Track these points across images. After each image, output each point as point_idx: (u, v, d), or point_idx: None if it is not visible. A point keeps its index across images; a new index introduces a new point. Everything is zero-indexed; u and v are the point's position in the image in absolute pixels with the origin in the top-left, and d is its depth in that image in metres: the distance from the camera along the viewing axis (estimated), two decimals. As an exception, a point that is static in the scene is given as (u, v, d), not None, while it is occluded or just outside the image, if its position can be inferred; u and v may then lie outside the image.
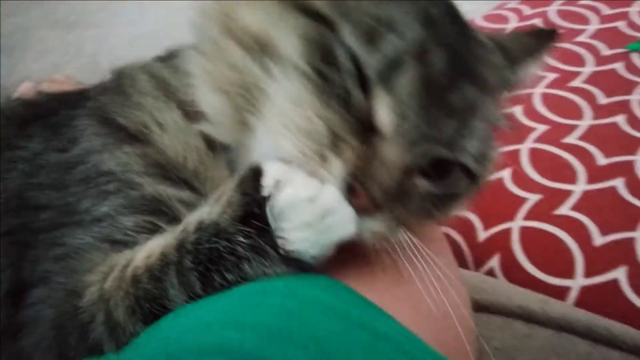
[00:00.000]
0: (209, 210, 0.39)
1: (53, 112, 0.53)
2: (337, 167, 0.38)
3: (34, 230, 0.45)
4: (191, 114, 0.48)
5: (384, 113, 0.40)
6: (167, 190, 0.45)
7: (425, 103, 0.40)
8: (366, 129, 0.40)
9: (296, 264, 0.37)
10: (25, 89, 0.92)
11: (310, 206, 0.36)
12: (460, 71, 0.42)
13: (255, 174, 0.38)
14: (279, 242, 0.36)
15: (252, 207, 0.36)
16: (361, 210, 0.39)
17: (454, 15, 0.46)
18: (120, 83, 0.52)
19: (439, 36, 0.42)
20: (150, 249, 0.40)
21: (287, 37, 0.41)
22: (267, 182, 0.37)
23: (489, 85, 0.45)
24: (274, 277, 0.36)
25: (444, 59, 0.41)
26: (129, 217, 0.44)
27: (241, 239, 0.36)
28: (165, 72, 0.52)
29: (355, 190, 0.38)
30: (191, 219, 0.40)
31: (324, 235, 0.37)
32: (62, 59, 2.45)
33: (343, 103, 0.40)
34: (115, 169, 0.45)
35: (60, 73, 2.38)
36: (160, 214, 0.44)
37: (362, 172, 0.38)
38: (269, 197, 0.36)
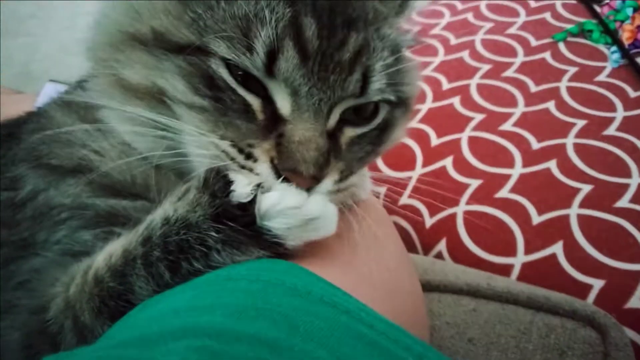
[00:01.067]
0: (173, 208, 0.40)
1: None
2: (261, 168, 0.42)
3: None
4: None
5: (280, 99, 0.43)
6: (121, 203, 0.46)
7: (312, 72, 0.42)
8: (277, 120, 0.43)
9: (274, 250, 0.39)
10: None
11: (296, 212, 0.39)
12: (340, 24, 0.44)
13: (222, 179, 0.40)
14: (264, 232, 0.38)
15: (226, 208, 0.38)
16: (308, 187, 0.42)
17: None
18: (40, 123, 0.52)
19: (304, 3, 0.43)
20: (111, 250, 0.41)
21: (170, 81, 0.43)
22: (241, 190, 0.39)
23: (375, 17, 0.47)
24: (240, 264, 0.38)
25: (317, 22, 0.43)
26: (87, 232, 0.45)
27: (212, 233, 0.38)
28: (90, 100, 0.51)
29: (289, 179, 0.41)
30: (154, 217, 0.41)
31: (307, 233, 0.39)
32: (-8, 68, 2.35)
33: (242, 109, 0.43)
34: (65, 201, 0.46)
35: (-9, 83, 2.29)
36: (118, 223, 0.45)
37: (285, 160, 0.41)
38: (253, 200, 0.38)
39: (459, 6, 1.32)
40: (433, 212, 0.91)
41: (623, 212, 0.81)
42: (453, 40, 1.20)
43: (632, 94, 1.00)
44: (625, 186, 0.84)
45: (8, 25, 2.60)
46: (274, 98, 0.43)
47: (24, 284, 0.43)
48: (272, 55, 0.41)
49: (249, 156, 0.42)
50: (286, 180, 0.41)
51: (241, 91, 0.42)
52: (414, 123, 1.04)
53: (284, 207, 0.38)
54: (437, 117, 1.04)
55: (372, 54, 0.45)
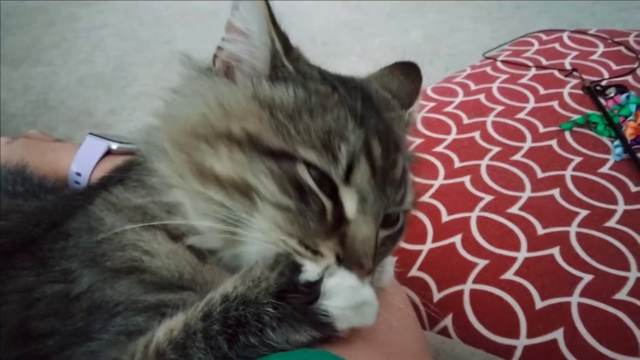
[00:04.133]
0: (233, 286, 0.46)
1: (32, 240, 0.57)
2: (328, 261, 0.48)
3: (42, 357, 0.49)
4: (176, 234, 0.54)
5: (349, 203, 0.50)
6: (169, 296, 0.50)
7: (377, 184, 0.51)
8: (340, 221, 0.50)
9: (325, 332, 0.45)
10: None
11: (353, 294, 0.45)
12: (392, 148, 0.54)
13: (291, 262, 0.46)
14: (320, 312, 0.44)
15: (289, 286, 0.44)
16: (363, 278, 0.48)
17: (363, 95, 0.57)
18: (90, 226, 0.55)
19: (370, 127, 0.53)
20: (171, 325, 0.46)
21: (263, 181, 0.49)
22: (311, 270, 0.45)
23: (403, 140, 0.59)
24: (292, 352, 0.43)
25: (380, 145, 0.52)
26: (140, 316, 0.49)
27: (269, 309, 0.44)
28: (134, 199, 0.56)
29: (353, 269, 0.48)
30: (214, 295, 0.46)
31: (356, 318, 0.45)
32: (7, 95, 2.40)
33: (319, 211, 0.49)
34: (120, 298, 0.50)
35: (7, 110, 2.33)
36: (167, 309, 0.49)
37: (352, 254, 0.48)
38: (320, 279, 0.45)
39: (472, 86, 1.40)
40: (441, 287, 0.96)
41: (621, 305, 0.86)
42: (465, 120, 1.27)
43: (633, 188, 1.05)
44: (624, 279, 0.89)
45: (30, 52, 2.68)
46: (343, 201, 0.50)
47: None
48: (349, 167, 0.49)
49: (315, 252, 0.48)
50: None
51: (322, 196, 0.49)
52: (426, 197, 1.10)
53: (347, 286, 0.45)
54: (448, 194, 1.10)
55: (408, 173, 0.56)
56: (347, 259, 0.48)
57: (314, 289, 0.44)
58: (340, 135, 0.50)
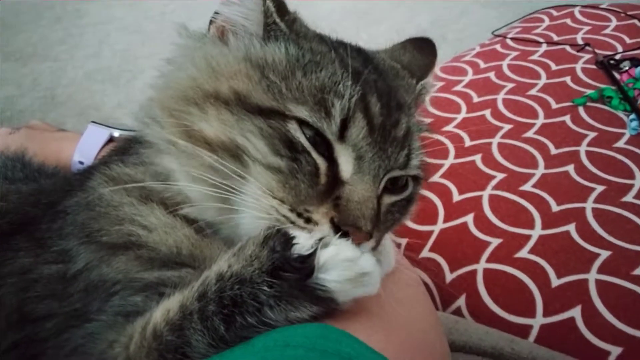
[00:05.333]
0: (227, 264, 0.43)
1: (30, 220, 0.55)
2: (323, 229, 0.46)
3: (40, 340, 0.48)
4: (172, 205, 0.52)
5: (344, 162, 0.48)
6: (167, 274, 0.49)
7: (375, 142, 0.49)
8: (335, 183, 0.48)
9: (326, 306, 0.42)
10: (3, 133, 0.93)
11: (351, 265, 0.42)
12: (394, 106, 0.52)
13: (282, 235, 0.43)
14: (317, 287, 0.41)
15: (284, 262, 0.41)
16: (361, 243, 0.46)
17: (365, 57, 0.56)
18: (88, 201, 0.54)
19: (368, 84, 0.51)
20: (168, 305, 0.44)
21: (252, 140, 0.47)
22: (303, 243, 0.42)
23: (411, 105, 0.57)
24: (293, 326, 0.41)
25: (379, 102, 0.50)
26: (138, 295, 0.48)
27: (265, 288, 0.41)
28: (133, 174, 0.55)
29: (349, 233, 0.46)
30: (209, 274, 0.44)
31: (356, 289, 0.42)
32: (16, 91, 2.40)
33: (311, 171, 0.47)
34: (118, 277, 0.49)
35: (15, 106, 2.34)
36: (165, 288, 0.48)
37: (347, 216, 0.46)
38: (313, 252, 0.41)
39: (482, 65, 1.37)
40: (454, 267, 0.93)
41: (641, 281, 0.83)
42: (475, 98, 1.24)
43: (650, 162, 1.02)
44: (643, 254, 0.87)
45: (38, 49, 2.68)
46: (338, 161, 0.48)
47: (77, 348, 0.45)
48: (344, 124, 0.47)
49: (308, 220, 0.46)
50: (343, 236, 0.45)
51: (314, 154, 0.47)
52: (437, 177, 1.07)
53: (343, 258, 0.42)
54: (459, 173, 1.07)
55: (413, 135, 0.53)
56: (343, 223, 0.46)
57: (308, 263, 0.41)
58: (335, 91, 0.48)
